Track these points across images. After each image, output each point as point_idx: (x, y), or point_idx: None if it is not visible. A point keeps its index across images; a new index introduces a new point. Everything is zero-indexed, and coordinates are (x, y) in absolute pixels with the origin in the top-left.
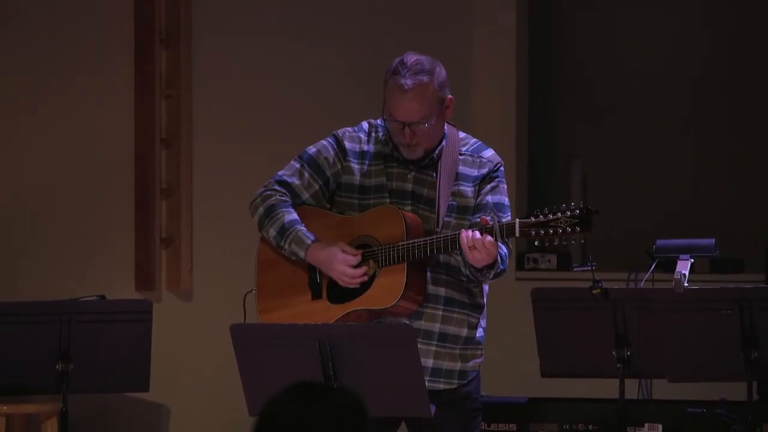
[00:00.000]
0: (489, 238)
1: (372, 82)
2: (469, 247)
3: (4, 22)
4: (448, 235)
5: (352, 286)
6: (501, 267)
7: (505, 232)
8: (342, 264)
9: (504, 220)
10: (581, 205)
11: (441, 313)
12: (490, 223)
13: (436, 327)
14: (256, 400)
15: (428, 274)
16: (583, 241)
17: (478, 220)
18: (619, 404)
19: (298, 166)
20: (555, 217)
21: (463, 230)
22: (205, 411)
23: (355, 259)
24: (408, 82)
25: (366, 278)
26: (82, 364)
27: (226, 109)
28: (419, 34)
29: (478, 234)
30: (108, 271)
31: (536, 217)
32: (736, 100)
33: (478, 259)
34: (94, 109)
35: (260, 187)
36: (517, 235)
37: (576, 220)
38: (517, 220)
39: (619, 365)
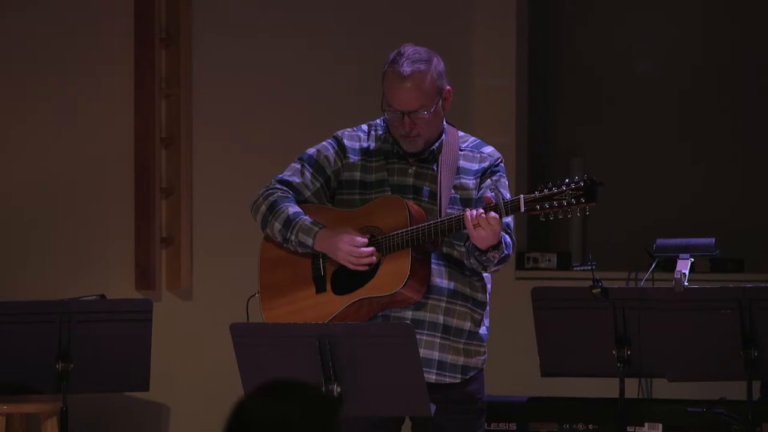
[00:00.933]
0: (493, 213)
1: (372, 82)
2: (474, 225)
3: (4, 22)
4: (452, 216)
5: (360, 269)
6: (506, 251)
7: (509, 208)
8: (348, 244)
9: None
10: (585, 177)
11: (444, 305)
12: (494, 200)
13: (440, 319)
14: None
15: (432, 266)
16: (588, 213)
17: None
18: (619, 404)
19: (298, 166)
20: (559, 190)
21: (467, 209)
22: (205, 411)
23: (362, 241)
24: (406, 69)
25: (374, 260)
26: (82, 364)
27: (226, 109)
28: (419, 33)
29: (482, 211)
30: (108, 271)
31: (540, 191)
32: (737, 99)
33: (483, 237)
34: (94, 109)
35: (261, 188)
36: (522, 210)
37: (581, 192)
38: (522, 195)
39: (619, 365)
